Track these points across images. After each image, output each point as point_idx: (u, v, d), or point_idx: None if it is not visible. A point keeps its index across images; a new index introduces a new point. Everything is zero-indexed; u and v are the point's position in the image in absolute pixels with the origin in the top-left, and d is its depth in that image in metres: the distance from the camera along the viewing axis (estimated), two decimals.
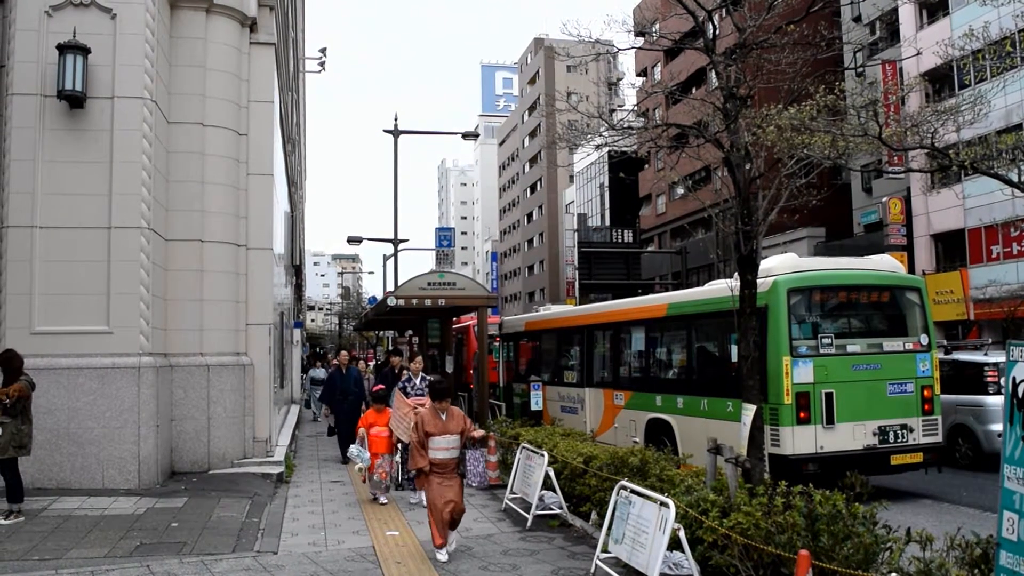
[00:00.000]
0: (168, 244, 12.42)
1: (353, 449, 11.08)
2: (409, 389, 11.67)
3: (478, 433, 8.64)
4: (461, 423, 8.34)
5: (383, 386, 12.69)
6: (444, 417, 8.27)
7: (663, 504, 6.55)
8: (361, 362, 20.09)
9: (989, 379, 14.29)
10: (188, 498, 10.61)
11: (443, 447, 8.18)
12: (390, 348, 27.27)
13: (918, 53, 24.41)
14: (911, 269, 29.53)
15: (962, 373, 14.57)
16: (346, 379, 15.72)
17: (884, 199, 33.56)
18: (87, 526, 8.98)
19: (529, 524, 9.33)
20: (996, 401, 13.95)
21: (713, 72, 8.97)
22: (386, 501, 10.95)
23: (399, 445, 11.24)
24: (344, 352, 16.26)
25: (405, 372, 12.94)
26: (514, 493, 10.42)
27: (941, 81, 31.42)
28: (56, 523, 9.10)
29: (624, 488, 7.30)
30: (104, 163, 11.32)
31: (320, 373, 22.84)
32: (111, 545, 8.22)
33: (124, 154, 11.35)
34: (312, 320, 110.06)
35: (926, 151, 10.86)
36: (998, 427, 13.73)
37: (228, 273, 13.12)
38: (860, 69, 30.11)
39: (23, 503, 9.37)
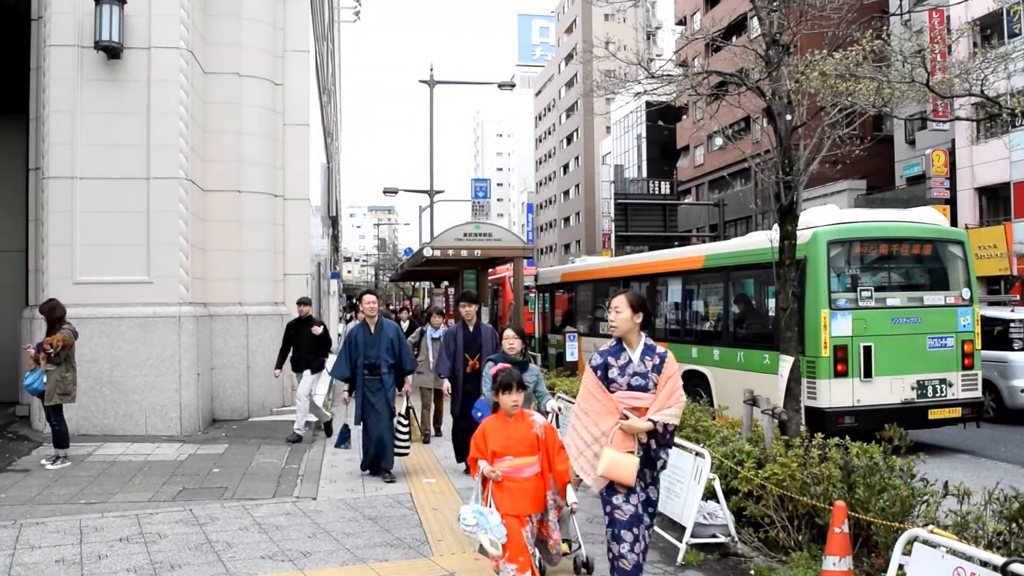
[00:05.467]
0: (206, 195, 12.51)
1: (467, 514, 4.87)
2: (616, 374, 4.84)
3: None
4: None
5: (508, 365, 6.50)
6: None
7: (698, 454, 6.55)
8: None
9: (1014, 335, 14.33)
10: (228, 445, 10.82)
11: None
12: (427, 303, 26.37)
13: None
14: (954, 223, 28.88)
15: (988, 329, 14.45)
16: (376, 340, 9.22)
17: (928, 151, 32.78)
18: (131, 471, 9.21)
19: None
20: (1020, 357, 14.28)
21: (755, 18, 8.75)
22: None
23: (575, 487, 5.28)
24: (371, 296, 9.57)
25: (509, 338, 7.69)
26: None
27: (991, 28, 30.46)
28: (101, 468, 9.34)
29: None
30: (142, 114, 11.38)
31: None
32: (155, 490, 8.43)
33: (161, 104, 11.40)
34: (348, 272, 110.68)
35: (974, 100, 10.58)
36: (1021, 383, 14.12)
37: (265, 223, 13.21)
38: (907, 15, 29.28)
39: (69, 448, 9.63)
